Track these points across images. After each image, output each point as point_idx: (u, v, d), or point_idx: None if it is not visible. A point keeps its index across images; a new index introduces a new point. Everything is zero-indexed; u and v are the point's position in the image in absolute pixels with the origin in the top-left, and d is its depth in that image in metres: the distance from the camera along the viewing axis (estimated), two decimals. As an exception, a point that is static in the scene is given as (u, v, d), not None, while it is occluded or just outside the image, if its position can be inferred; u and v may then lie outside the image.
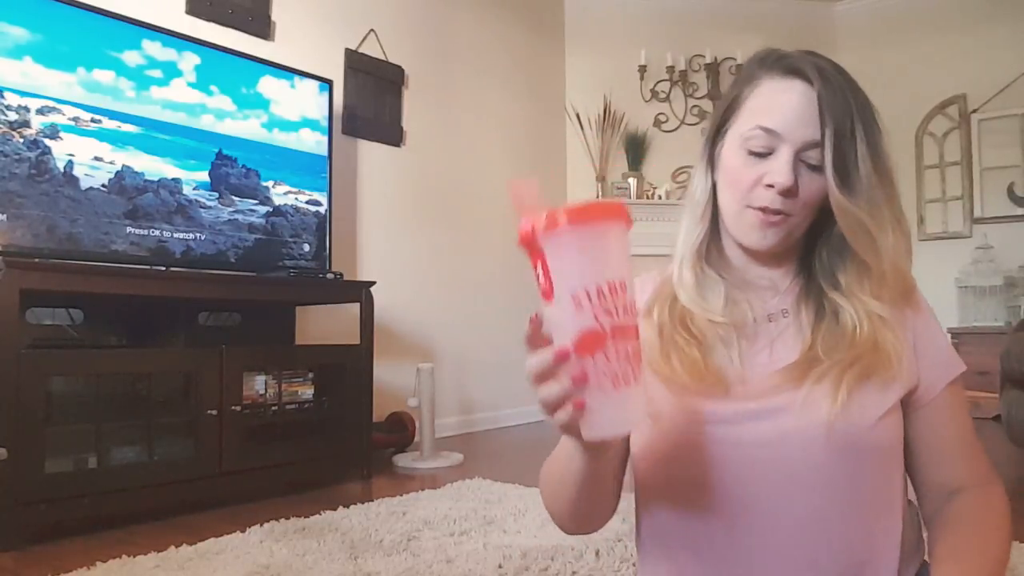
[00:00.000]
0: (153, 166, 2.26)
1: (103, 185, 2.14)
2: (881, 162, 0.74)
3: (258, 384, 2.32)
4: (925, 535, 0.82)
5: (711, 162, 0.82)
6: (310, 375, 2.48)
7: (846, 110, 0.73)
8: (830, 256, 0.79)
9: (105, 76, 2.17)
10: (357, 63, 3.30)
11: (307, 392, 2.46)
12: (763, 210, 0.76)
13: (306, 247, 2.69)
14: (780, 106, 0.75)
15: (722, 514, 0.74)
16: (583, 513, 0.78)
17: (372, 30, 3.39)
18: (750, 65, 0.80)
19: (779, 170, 0.74)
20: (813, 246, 0.81)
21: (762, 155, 0.75)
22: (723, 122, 0.81)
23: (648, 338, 0.80)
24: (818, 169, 0.74)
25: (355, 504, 2.16)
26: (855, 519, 0.73)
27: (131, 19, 2.26)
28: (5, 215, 1.94)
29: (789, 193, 0.74)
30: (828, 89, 0.73)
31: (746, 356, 0.79)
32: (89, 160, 2.12)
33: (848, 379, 0.72)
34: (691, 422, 0.76)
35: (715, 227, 0.83)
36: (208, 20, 2.75)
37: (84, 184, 2.10)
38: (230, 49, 2.56)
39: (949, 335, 0.81)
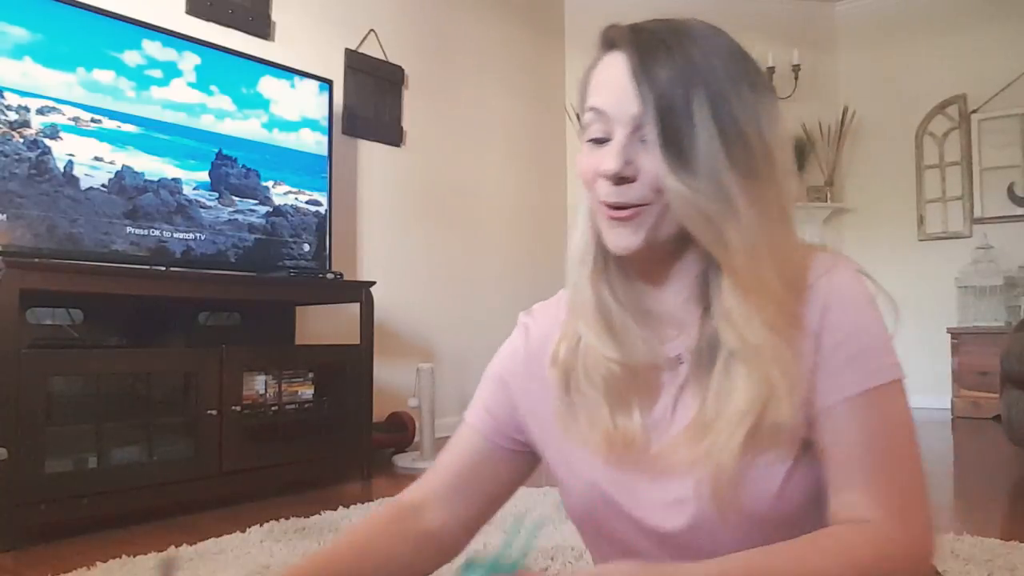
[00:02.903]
0: (153, 166, 2.26)
1: (103, 185, 2.14)
2: (736, 132, 0.62)
3: (258, 384, 2.32)
4: None
5: None
6: (310, 375, 2.48)
7: (679, 74, 0.62)
8: (712, 272, 0.66)
9: (105, 76, 2.17)
10: (357, 63, 3.30)
11: (307, 392, 2.46)
12: (607, 204, 0.66)
13: (306, 247, 2.69)
14: (605, 83, 0.66)
15: None
16: None
17: (372, 30, 3.39)
18: None
19: (605, 156, 0.64)
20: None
21: (602, 141, 0.66)
22: (581, 115, 0.72)
23: (557, 391, 0.73)
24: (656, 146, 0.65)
25: (355, 504, 2.16)
26: None
27: (131, 19, 2.26)
28: (5, 215, 1.94)
29: (621, 180, 0.64)
30: (649, 53, 0.63)
31: (648, 416, 0.70)
32: (89, 160, 2.12)
33: (740, 450, 0.63)
34: (600, 501, 0.72)
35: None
36: (208, 20, 2.75)
37: (84, 184, 2.10)
38: (230, 49, 2.56)
39: (887, 333, 0.66)
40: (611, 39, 0.67)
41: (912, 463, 0.64)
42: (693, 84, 0.62)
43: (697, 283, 0.68)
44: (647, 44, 0.64)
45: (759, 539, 0.63)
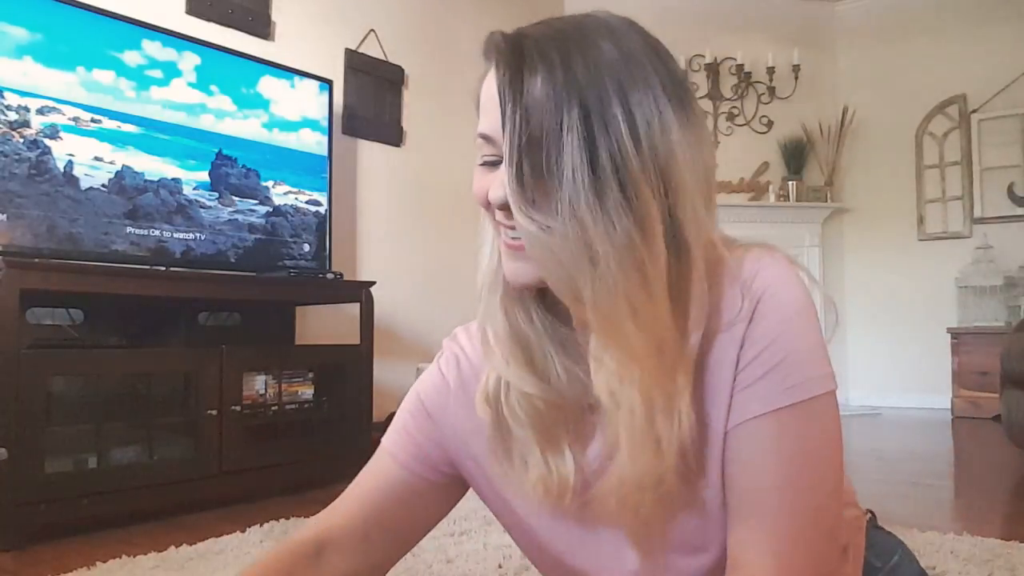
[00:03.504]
0: (153, 166, 2.26)
1: (103, 185, 2.14)
2: (615, 160, 0.52)
3: (258, 384, 2.32)
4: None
5: None
6: (310, 375, 2.47)
7: (553, 91, 0.53)
8: None
9: (105, 76, 2.17)
10: (357, 63, 3.30)
11: (307, 392, 2.46)
12: (504, 231, 0.59)
13: (306, 247, 2.69)
14: (485, 104, 0.60)
15: None
16: None
17: (372, 30, 3.39)
18: None
19: (493, 182, 0.58)
20: None
21: (494, 164, 0.60)
22: None
23: (490, 430, 0.66)
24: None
25: (355, 504, 2.15)
26: None
27: (131, 19, 2.26)
28: (5, 215, 1.94)
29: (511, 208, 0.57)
30: (520, 68, 0.54)
31: (583, 458, 0.63)
32: (89, 160, 2.12)
33: (655, 509, 0.58)
34: (551, 552, 0.70)
35: None
36: (208, 20, 2.75)
37: (84, 184, 2.10)
38: (230, 49, 2.56)
39: (818, 339, 0.59)
40: (487, 50, 0.59)
41: (821, 497, 0.57)
42: (568, 103, 0.53)
43: None
44: (521, 56, 0.55)
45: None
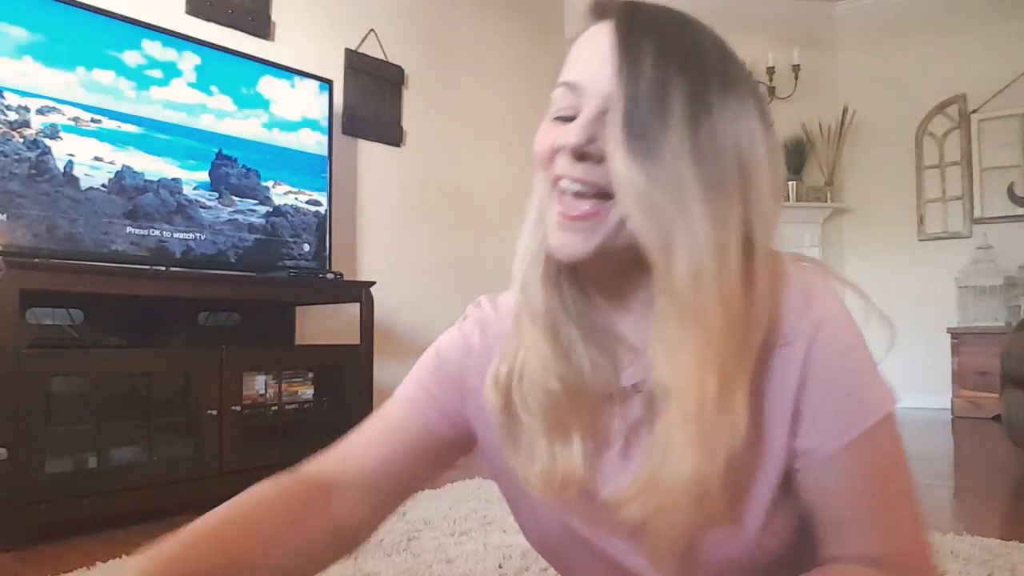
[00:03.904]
0: (153, 166, 2.26)
1: (103, 185, 2.14)
2: (709, 138, 0.54)
3: (258, 384, 2.32)
4: None
5: None
6: (310, 375, 2.47)
7: (666, 59, 0.55)
8: None
9: (105, 76, 2.17)
10: (357, 63, 3.30)
11: (307, 392, 2.46)
12: (559, 182, 0.58)
13: (306, 247, 2.69)
14: (584, 54, 0.59)
15: None
16: None
17: (372, 30, 3.39)
18: None
19: (568, 129, 0.57)
20: None
21: (568, 120, 0.58)
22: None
23: (497, 417, 0.65)
24: None
25: (355, 504, 2.15)
26: None
27: (131, 19, 2.26)
28: (5, 215, 1.94)
29: (583, 157, 0.56)
30: (638, 29, 0.56)
31: (592, 450, 0.62)
32: (89, 160, 2.12)
33: (687, 521, 0.57)
34: (566, 535, 0.67)
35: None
36: (208, 20, 2.75)
37: (84, 184, 2.10)
38: (230, 49, 2.56)
39: (873, 361, 0.62)
40: (602, 8, 0.60)
41: (910, 496, 0.61)
42: (677, 74, 0.54)
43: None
44: (639, 20, 0.57)
45: None
